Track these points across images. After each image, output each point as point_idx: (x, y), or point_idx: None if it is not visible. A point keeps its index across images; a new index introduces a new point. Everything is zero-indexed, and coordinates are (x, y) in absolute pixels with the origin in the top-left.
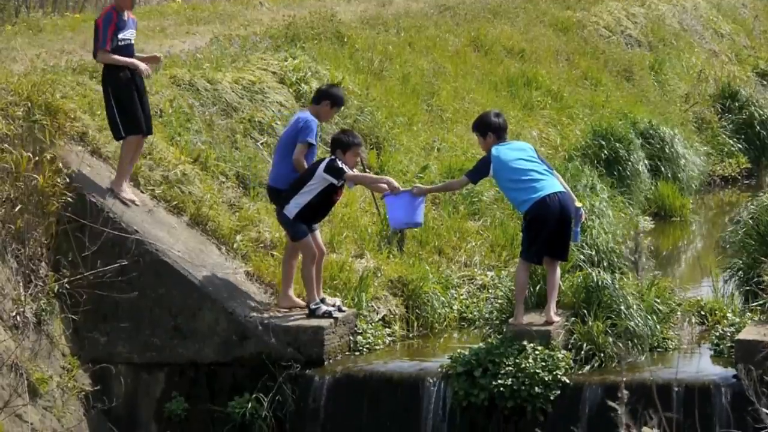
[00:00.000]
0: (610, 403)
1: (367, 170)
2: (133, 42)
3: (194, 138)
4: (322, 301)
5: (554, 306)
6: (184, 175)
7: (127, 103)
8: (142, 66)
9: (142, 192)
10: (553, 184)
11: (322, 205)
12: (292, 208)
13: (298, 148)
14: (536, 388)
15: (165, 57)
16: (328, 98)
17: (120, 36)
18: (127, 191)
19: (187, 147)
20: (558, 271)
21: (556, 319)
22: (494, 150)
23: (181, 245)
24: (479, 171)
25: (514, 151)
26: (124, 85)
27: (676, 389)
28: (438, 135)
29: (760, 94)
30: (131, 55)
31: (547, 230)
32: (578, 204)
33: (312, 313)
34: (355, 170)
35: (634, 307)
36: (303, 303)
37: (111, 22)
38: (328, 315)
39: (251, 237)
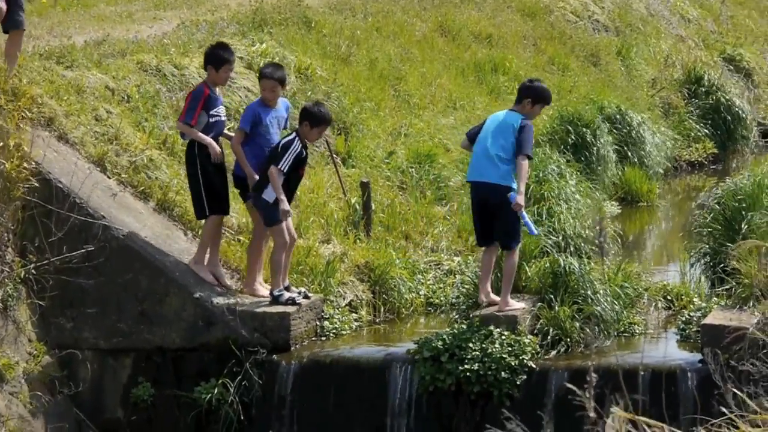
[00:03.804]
0: (569, 385)
1: (334, 156)
2: (223, 119)
3: (161, 123)
4: (287, 288)
5: (507, 293)
6: (150, 160)
7: (216, 182)
8: (217, 150)
9: (108, 177)
10: (476, 170)
11: (287, 186)
12: (271, 192)
13: (235, 134)
14: (503, 373)
15: (132, 43)
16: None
17: (212, 112)
18: (205, 269)
19: (154, 132)
20: (509, 258)
21: (515, 305)
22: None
23: (148, 231)
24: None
25: (490, 121)
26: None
27: (642, 374)
28: (405, 120)
29: (726, 80)
30: (221, 133)
31: (474, 215)
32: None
33: (275, 300)
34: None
35: (601, 292)
36: (267, 292)
37: (201, 97)
38: (291, 302)
39: None
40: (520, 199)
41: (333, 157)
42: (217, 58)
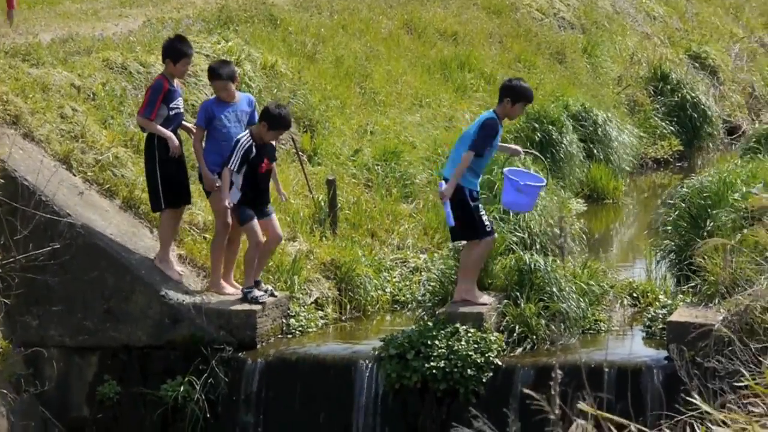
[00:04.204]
0: (528, 391)
1: (300, 153)
2: (182, 111)
3: (127, 121)
4: (256, 284)
5: (463, 282)
6: (116, 158)
7: (174, 175)
8: (176, 143)
9: (74, 175)
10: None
11: (252, 183)
12: (236, 193)
13: (195, 132)
14: (469, 371)
15: (98, 40)
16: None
17: (171, 105)
18: (173, 264)
19: (120, 130)
20: (468, 251)
21: (481, 298)
22: None
23: (114, 228)
24: None
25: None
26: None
27: (607, 371)
28: (371, 118)
29: (692, 77)
30: (180, 125)
31: None
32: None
33: (245, 297)
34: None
35: (567, 289)
36: (233, 290)
37: (161, 91)
38: (254, 301)
39: (184, 220)
40: (445, 189)
41: (299, 155)
42: (175, 51)
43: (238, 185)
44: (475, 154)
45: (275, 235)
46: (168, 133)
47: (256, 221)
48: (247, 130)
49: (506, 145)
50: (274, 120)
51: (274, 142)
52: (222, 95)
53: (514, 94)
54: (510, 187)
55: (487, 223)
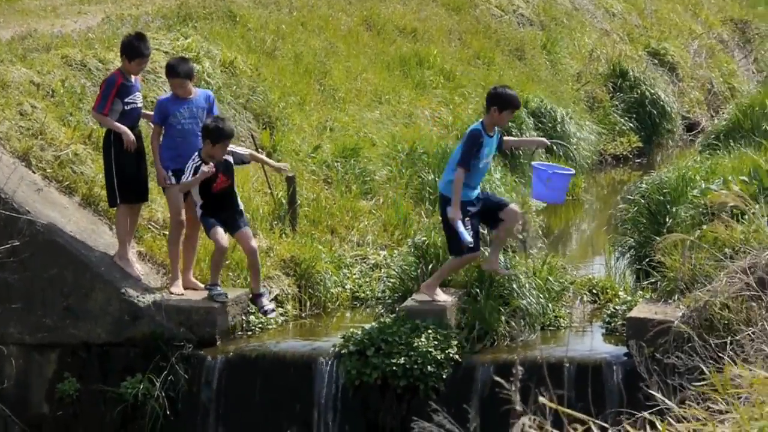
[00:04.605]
0: (497, 378)
1: (260, 150)
2: (139, 106)
3: (86, 118)
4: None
5: (434, 281)
6: (76, 155)
7: (130, 171)
8: (131, 138)
9: (33, 172)
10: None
11: (209, 200)
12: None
13: (153, 130)
14: (429, 367)
15: (57, 37)
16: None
17: (127, 100)
18: (133, 262)
19: (80, 127)
20: (452, 260)
21: (440, 296)
22: None
23: (73, 225)
24: None
25: None
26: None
27: (567, 367)
28: (330, 115)
29: (651, 74)
30: (137, 120)
31: None
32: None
33: (208, 295)
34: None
35: (527, 285)
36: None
37: (114, 86)
38: (218, 297)
39: (143, 217)
40: (452, 213)
41: (258, 152)
42: (131, 49)
43: (197, 201)
44: (464, 169)
45: (248, 248)
46: (122, 127)
47: (218, 228)
48: (196, 153)
49: (530, 138)
50: (214, 134)
51: (230, 158)
52: (178, 92)
53: (500, 102)
54: (537, 180)
55: (469, 239)
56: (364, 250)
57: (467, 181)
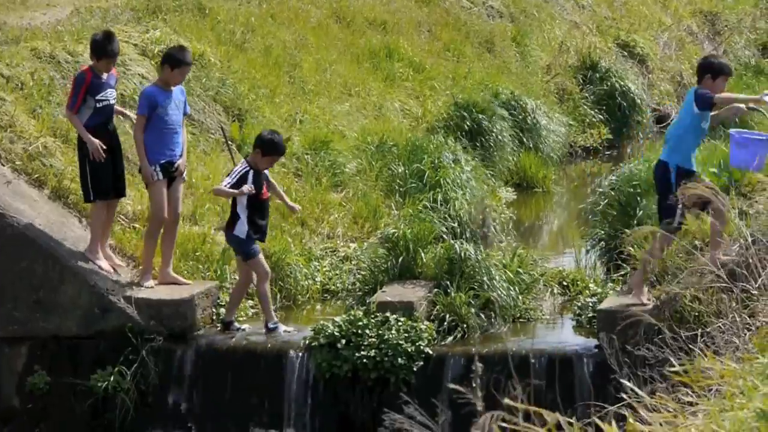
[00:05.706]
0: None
1: (229, 143)
2: (112, 102)
3: (55, 111)
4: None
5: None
6: (45, 148)
7: (104, 168)
8: (95, 145)
9: (2, 165)
10: None
11: (258, 211)
12: (242, 227)
13: (136, 121)
14: (399, 360)
15: (26, 30)
16: (167, 62)
17: (98, 97)
18: (110, 255)
19: (49, 120)
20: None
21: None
22: None
23: (43, 218)
24: None
25: None
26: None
27: (538, 359)
28: (300, 107)
29: (621, 66)
30: (110, 117)
31: None
32: None
33: (269, 331)
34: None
35: (497, 278)
36: (180, 280)
37: (83, 83)
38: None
39: None
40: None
41: (228, 144)
42: (99, 49)
43: (244, 218)
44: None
45: (263, 272)
46: (88, 136)
47: (261, 255)
48: (243, 159)
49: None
50: (268, 145)
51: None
52: (178, 81)
53: (713, 71)
54: (733, 145)
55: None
56: (335, 242)
57: (694, 144)
